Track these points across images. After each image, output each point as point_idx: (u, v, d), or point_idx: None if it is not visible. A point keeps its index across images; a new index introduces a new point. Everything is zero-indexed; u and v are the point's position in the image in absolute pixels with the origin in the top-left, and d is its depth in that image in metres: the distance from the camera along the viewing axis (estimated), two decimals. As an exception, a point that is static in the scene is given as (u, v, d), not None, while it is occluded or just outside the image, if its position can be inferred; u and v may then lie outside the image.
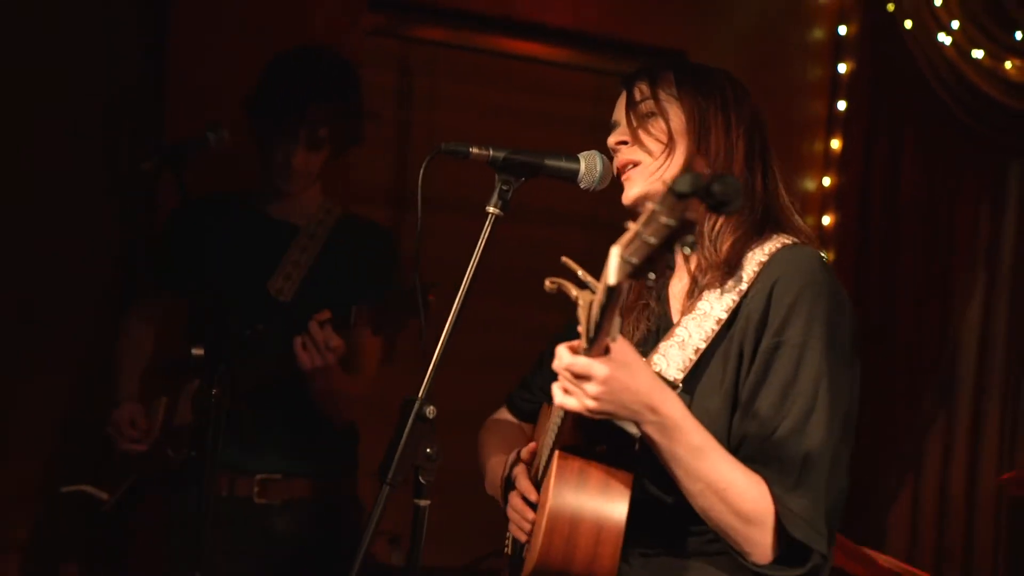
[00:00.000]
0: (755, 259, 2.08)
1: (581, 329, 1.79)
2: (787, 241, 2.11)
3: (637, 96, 2.17)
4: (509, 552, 2.39)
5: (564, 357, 1.83)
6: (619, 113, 2.21)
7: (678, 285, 2.19)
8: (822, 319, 2.00)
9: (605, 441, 1.98)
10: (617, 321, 1.77)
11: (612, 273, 1.60)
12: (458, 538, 3.77)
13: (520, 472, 2.22)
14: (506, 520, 2.30)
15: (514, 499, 2.18)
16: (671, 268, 1.61)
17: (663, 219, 1.51)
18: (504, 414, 2.60)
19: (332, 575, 3.35)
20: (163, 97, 4.06)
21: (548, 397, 2.39)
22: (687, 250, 1.52)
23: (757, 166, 2.13)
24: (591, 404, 1.83)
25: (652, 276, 1.58)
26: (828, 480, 1.96)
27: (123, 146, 4.01)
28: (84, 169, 4.00)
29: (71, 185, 3.97)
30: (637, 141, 2.15)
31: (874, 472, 5.02)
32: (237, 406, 3.08)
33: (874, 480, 5.04)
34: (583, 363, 1.80)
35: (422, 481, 2.06)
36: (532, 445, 2.25)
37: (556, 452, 1.98)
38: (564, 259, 1.90)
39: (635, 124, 2.15)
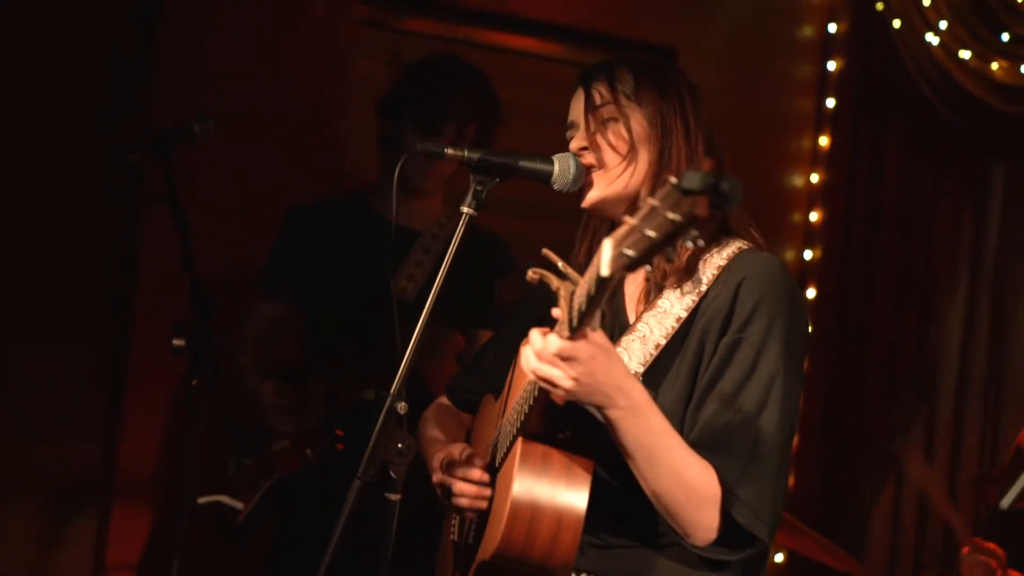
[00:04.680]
0: (714, 263, 2.13)
1: (561, 317, 1.83)
2: (744, 246, 2.15)
3: (597, 99, 2.20)
4: (455, 538, 2.42)
5: (552, 343, 1.87)
6: (577, 113, 2.24)
7: (632, 286, 2.23)
8: (783, 321, 2.05)
9: (569, 428, 2.02)
10: (599, 312, 1.81)
11: (605, 264, 1.63)
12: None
13: (471, 455, 2.24)
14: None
15: (465, 481, 2.20)
16: (670, 260, 1.66)
17: (668, 214, 1.54)
18: (445, 402, 2.62)
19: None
20: (152, 85, 4.08)
21: (490, 388, 2.46)
22: (690, 244, 1.55)
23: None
24: (570, 385, 1.87)
25: (649, 268, 1.62)
26: (775, 472, 2.01)
27: (110, 134, 4.04)
28: (76, 163, 4.03)
29: (64, 182, 4.02)
30: (597, 147, 2.18)
31: (854, 475, 5.05)
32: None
33: (854, 483, 5.06)
34: (569, 345, 1.84)
35: (392, 476, 2.10)
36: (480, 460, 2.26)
37: (519, 439, 2.01)
38: (545, 251, 1.94)
39: (594, 129, 2.19)
